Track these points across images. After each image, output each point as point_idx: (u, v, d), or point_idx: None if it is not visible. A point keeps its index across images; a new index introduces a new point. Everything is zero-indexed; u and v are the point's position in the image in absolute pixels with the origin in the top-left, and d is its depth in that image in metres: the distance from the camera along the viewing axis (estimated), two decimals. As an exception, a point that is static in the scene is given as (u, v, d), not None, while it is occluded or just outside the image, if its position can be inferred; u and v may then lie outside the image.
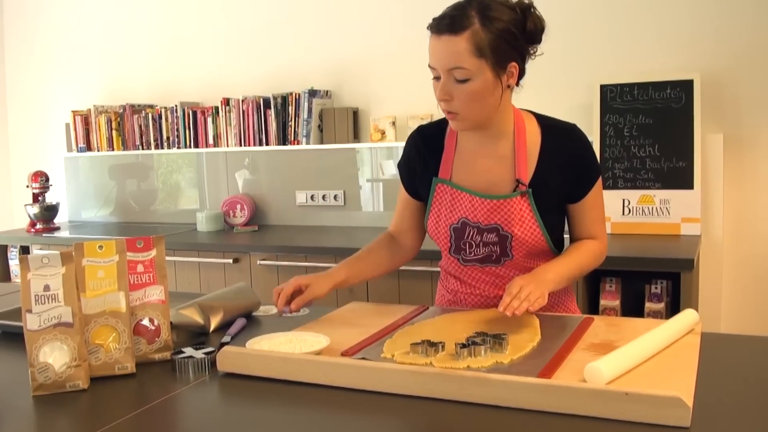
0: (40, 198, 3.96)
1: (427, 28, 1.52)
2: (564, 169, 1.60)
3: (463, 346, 1.25)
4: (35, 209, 3.88)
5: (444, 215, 1.65)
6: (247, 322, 1.67)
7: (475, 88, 1.48)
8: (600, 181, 1.65)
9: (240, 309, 1.71)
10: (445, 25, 1.47)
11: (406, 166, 1.74)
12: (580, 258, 1.61)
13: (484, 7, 1.46)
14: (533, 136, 1.61)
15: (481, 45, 1.45)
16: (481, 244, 1.62)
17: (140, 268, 1.41)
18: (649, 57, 3.07)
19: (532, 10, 1.50)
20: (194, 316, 1.58)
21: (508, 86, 1.54)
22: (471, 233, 1.62)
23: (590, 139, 2.96)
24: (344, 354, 1.33)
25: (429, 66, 1.53)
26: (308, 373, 1.24)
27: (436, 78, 1.53)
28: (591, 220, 1.65)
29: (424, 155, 1.70)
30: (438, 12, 1.51)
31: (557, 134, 1.62)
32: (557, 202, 1.63)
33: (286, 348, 1.35)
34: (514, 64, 1.51)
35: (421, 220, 1.76)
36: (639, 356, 1.22)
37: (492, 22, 1.45)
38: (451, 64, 1.47)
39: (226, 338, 1.52)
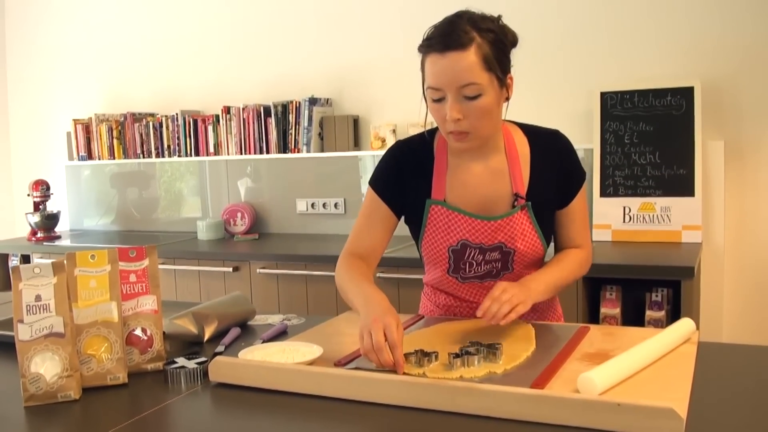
0: (41, 207, 3.96)
1: (422, 49, 1.44)
2: (554, 174, 1.59)
3: (457, 356, 1.24)
4: (36, 218, 3.88)
5: (441, 238, 1.59)
6: (241, 331, 1.67)
7: (487, 103, 1.43)
8: (584, 186, 1.63)
9: (235, 318, 1.70)
10: (446, 42, 1.39)
11: (387, 180, 1.62)
12: (568, 267, 1.60)
13: (474, 20, 1.42)
14: (522, 145, 1.60)
15: (487, 57, 1.40)
16: (483, 262, 1.59)
17: (133, 277, 1.40)
18: (649, 64, 3.06)
19: (502, 21, 1.47)
20: (188, 326, 1.57)
21: (507, 99, 1.50)
22: (472, 253, 1.58)
23: (590, 146, 3.02)
24: (337, 364, 1.32)
25: (429, 88, 1.44)
26: (300, 383, 1.23)
27: (437, 100, 1.44)
28: (578, 227, 1.64)
29: (413, 171, 1.60)
30: (438, 19, 1.46)
31: (544, 141, 1.60)
32: (551, 209, 1.62)
33: (279, 358, 1.34)
34: (510, 75, 1.48)
35: (388, 238, 1.64)
36: (633, 366, 1.21)
37: (487, 33, 1.41)
38: (463, 80, 1.40)
39: (220, 348, 1.51)
